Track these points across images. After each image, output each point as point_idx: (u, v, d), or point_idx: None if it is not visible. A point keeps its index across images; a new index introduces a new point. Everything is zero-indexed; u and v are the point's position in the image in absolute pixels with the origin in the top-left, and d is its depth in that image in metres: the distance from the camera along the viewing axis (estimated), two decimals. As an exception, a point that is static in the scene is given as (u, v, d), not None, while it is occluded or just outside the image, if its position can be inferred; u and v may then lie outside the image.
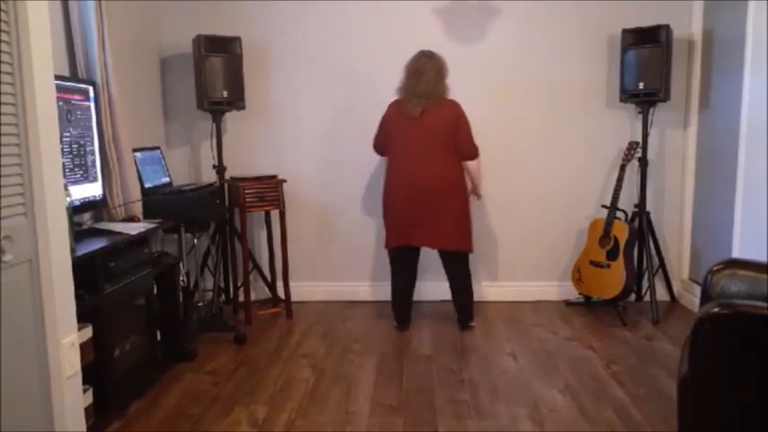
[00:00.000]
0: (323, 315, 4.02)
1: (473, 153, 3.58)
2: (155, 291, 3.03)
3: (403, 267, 3.71)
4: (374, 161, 4.14)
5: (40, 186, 1.91)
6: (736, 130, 3.48)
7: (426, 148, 3.50)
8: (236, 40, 3.89)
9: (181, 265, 3.35)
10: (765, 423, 1.64)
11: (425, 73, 3.49)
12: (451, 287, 3.72)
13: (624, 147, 3.97)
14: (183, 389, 2.93)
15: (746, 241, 3.44)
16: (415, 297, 3.81)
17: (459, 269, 3.67)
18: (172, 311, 3.20)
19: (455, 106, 3.54)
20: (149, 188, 3.44)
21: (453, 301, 3.74)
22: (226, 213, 3.94)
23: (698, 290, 2.77)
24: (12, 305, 1.79)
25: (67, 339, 2.05)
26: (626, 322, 3.73)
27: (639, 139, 3.95)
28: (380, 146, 3.72)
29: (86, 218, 3.03)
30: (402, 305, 3.74)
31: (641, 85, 3.78)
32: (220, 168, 3.97)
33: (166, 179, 3.74)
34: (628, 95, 3.88)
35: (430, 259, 3.88)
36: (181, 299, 3.29)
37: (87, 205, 2.89)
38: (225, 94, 3.81)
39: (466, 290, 3.70)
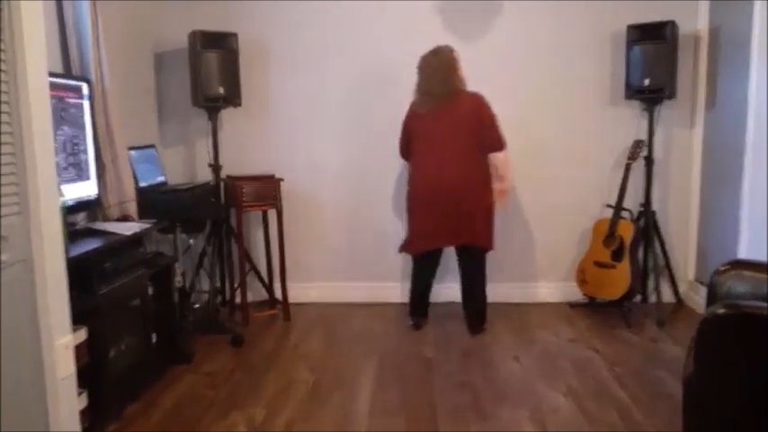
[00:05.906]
0: (321, 316, 3.97)
1: (499, 145, 3.47)
2: (150, 292, 3.00)
3: (427, 270, 3.67)
4: (373, 160, 4.11)
5: (35, 185, 1.92)
6: (743, 128, 3.44)
7: (446, 146, 3.42)
8: (233, 35, 3.84)
9: (176, 265, 3.31)
10: (770, 425, 1.64)
11: (432, 70, 3.45)
12: (465, 289, 3.65)
13: (629, 145, 3.91)
14: (179, 391, 2.90)
15: (753, 242, 3.40)
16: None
17: (477, 269, 3.59)
18: (168, 313, 3.16)
19: (475, 98, 3.46)
20: (144, 187, 3.40)
21: (464, 304, 3.67)
22: (222, 213, 3.89)
23: (704, 291, 2.73)
24: (6, 306, 1.79)
25: (62, 341, 2.05)
26: (630, 324, 3.68)
27: (645, 137, 3.91)
28: (404, 149, 3.65)
29: (80, 218, 2.99)
30: (421, 306, 3.71)
31: (647, 81, 3.72)
32: (216, 167, 3.92)
33: (161, 178, 3.70)
34: (633, 92, 3.82)
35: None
36: (177, 300, 3.25)
37: (81, 205, 2.85)
38: (221, 90, 3.76)
39: (481, 292, 3.62)
